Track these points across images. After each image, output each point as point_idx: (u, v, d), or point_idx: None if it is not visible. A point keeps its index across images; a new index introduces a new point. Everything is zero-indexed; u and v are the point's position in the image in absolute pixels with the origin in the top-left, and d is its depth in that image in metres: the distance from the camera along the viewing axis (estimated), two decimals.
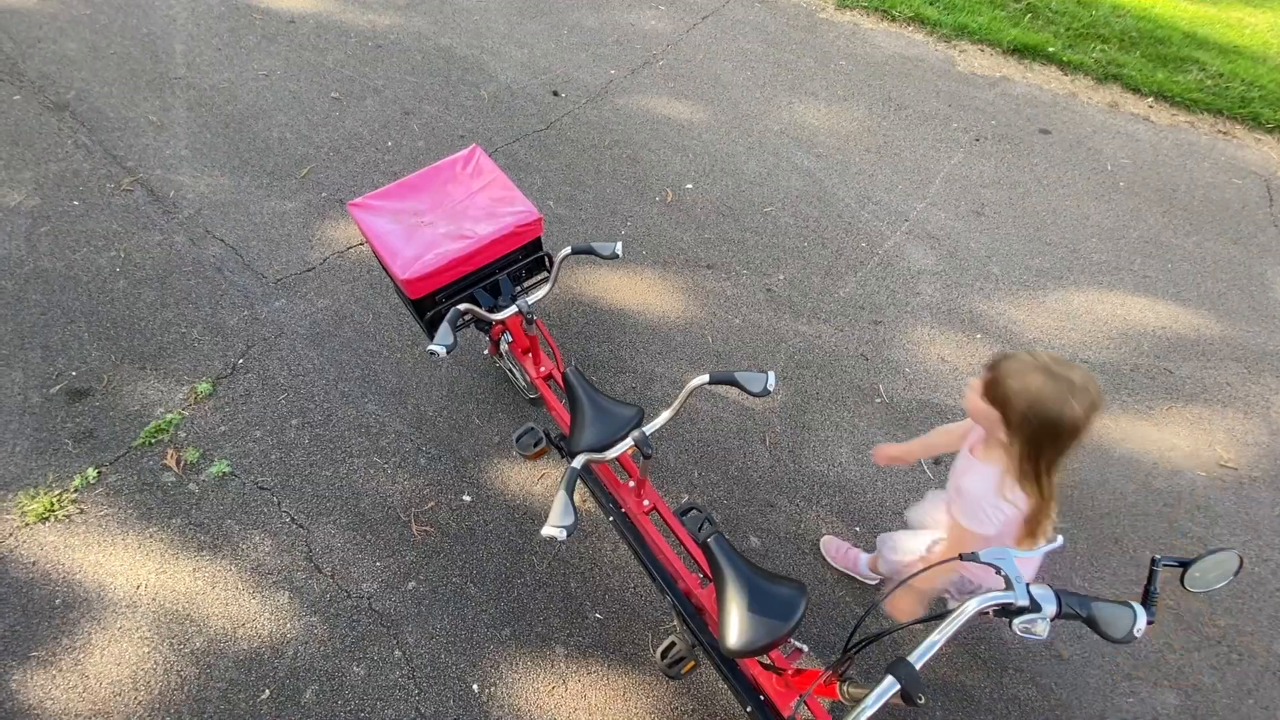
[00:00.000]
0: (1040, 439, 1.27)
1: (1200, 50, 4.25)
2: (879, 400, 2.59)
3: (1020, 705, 1.95)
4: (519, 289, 2.09)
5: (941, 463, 2.42)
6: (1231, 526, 2.31)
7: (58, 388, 2.50)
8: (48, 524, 2.18)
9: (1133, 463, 2.46)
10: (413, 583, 2.11)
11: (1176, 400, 2.63)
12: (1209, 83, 3.96)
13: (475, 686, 1.93)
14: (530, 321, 1.95)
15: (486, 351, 2.53)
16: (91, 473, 2.29)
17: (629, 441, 1.48)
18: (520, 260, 2.06)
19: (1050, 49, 4.13)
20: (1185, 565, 1.14)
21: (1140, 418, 2.58)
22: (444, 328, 1.64)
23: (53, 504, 2.21)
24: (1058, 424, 1.24)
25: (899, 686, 1.02)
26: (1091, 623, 1.09)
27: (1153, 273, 3.06)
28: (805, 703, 1.40)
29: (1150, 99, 3.93)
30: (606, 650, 2.00)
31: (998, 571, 1.13)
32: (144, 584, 2.08)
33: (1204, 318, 2.90)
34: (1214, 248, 3.17)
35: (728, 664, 1.61)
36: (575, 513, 1.34)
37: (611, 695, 1.92)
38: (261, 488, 2.29)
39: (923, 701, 1.01)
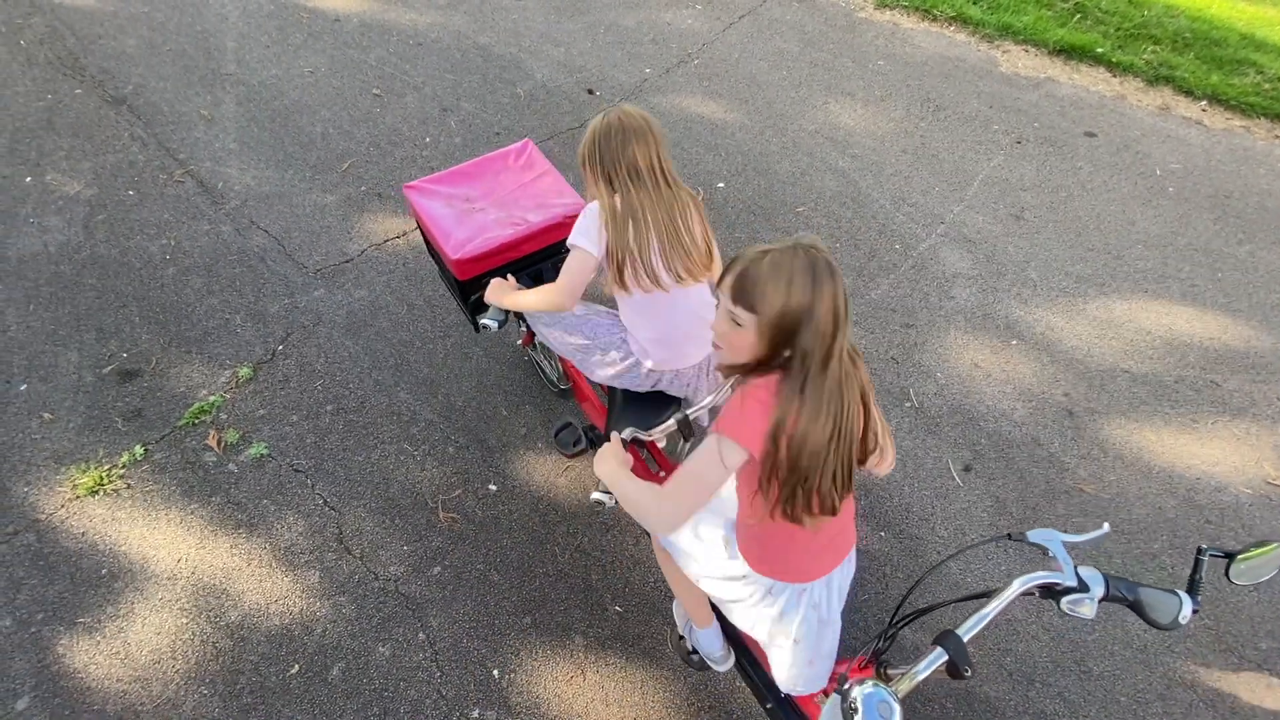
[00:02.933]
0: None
1: (1258, 52, 4.08)
2: (908, 404, 2.55)
3: None
4: None
5: (971, 469, 2.38)
6: None
7: (110, 368, 2.61)
8: (97, 497, 2.29)
9: (1174, 477, 2.38)
10: (438, 568, 2.16)
11: (1223, 414, 2.54)
12: (1267, 86, 3.80)
13: (495, 672, 1.96)
14: None
15: (520, 341, 2.57)
16: (139, 450, 2.39)
17: (672, 422, 1.51)
18: (565, 251, 2.10)
19: (1099, 50, 4.01)
20: (1230, 556, 1.12)
21: (1184, 431, 2.49)
22: (495, 305, 1.82)
23: (102, 478, 2.32)
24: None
25: (947, 658, 1.01)
26: (1137, 607, 1.08)
27: (1201, 281, 2.95)
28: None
29: (1204, 102, 3.80)
30: (625, 643, 2.01)
31: (1045, 553, 1.12)
32: (184, 558, 2.16)
33: (1255, 329, 2.79)
34: (1267, 257, 3.05)
35: (747, 658, 1.61)
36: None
37: (629, 688, 1.93)
38: (297, 470, 2.36)
39: (969, 675, 1.00)
